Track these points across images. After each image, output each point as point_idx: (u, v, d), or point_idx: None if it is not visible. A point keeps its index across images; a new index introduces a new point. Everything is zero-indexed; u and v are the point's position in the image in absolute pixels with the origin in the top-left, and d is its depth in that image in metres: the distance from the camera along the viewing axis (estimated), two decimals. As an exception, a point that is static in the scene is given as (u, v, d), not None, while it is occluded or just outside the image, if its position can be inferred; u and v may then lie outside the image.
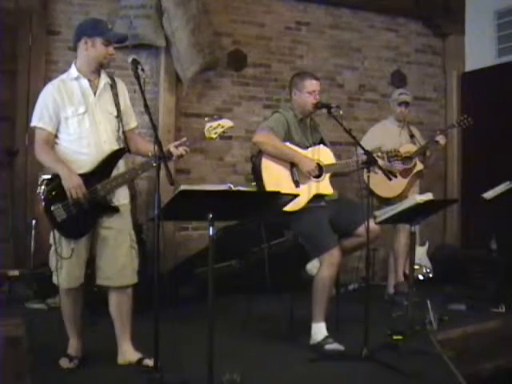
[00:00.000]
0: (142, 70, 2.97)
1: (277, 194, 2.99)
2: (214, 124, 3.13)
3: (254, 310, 4.13)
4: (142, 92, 2.91)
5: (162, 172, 2.73)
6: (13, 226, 4.76)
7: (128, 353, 3.24)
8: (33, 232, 4.57)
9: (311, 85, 3.82)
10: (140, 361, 3.18)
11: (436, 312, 4.05)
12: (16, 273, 4.52)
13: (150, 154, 3.05)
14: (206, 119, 3.19)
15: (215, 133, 3.13)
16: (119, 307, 3.23)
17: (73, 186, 2.99)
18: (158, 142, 2.78)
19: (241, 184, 3.27)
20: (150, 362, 3.07)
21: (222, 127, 3.14)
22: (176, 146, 3.11)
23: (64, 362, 3.17)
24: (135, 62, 2.97)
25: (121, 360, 3.25)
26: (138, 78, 2.94)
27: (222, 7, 5.74)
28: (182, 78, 5.31)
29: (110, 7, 5.23)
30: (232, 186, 2.69)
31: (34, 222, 4.56)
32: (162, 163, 2.77)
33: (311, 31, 6.20)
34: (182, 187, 2.51)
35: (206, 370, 2.57)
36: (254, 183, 3.81)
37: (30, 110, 4.86)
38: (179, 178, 5.26)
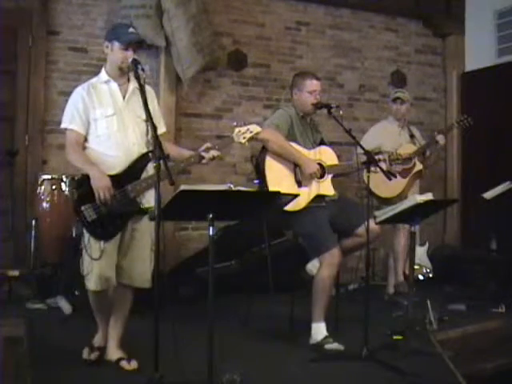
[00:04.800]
0: (142, 69, 2.98)
1: (277, 194, 2.99)
2: (243, 129, 3.18)
3: (254, 309, 4.13)
4: (143, 92, 2.91)
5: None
6: (13, 225, 4.75)
7: (111, 350, 3.25)
8: (33, 232, 4.56)
9: (311, 85, 3.82)
10: (118, 361, 3.19)
11: (436, 312, 4.05)
12: (16, 273, 4.51)
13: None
14: (235, 124, 3.23)
15: (244, 137, 3.17)
16: (120, 305, 3.24)
17: (101, 186, 2.99)
18: (158, 141, 2.78)
19: (241, 184, 3.28)
20: (126, 365, 3.13)
21: (251, 132, 3.18)
22: (206, 151, 3.17)
23: (85, 353, 3.23)
24: (135, 62, 2.98)
25: (106, 356, 3.28)
26: (138, 78, 2.94)
27: (222, 7, 5.74)
28: (182, 77, 5.31)
29: (110, 7, 5.23)
30: (232, 185, 2.69)
31: (33, 221, 4.56)
32: (162, 163, 2.76)
33: (311, 31, 6.20)
34: (182, 187, 2.51)
35: (206, 370, 2.57)
36: (256, 181, 3.82)
37: (30, 110, 4.94)
38: (179, 178, 5.24)
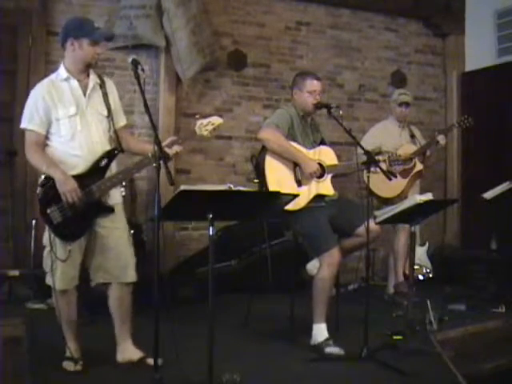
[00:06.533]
0: (142, 70, 2.96)
1: (277, 194, 2.99)
2: (205, 121, 3.14)
3: (254, 310, 4.13)
4: (142, 92, 2.91)
5: (162, 172, 2.73)
6: (13, 226, 4.75)
7: (128, 351, 3.23)
8: (33, 232, 4.57)
9: (312, 85, 3.82)
10: (142, 360, 3.17)
11: (436, 312, 4.05)
12: (16, 273, 4.52)
13: (149, 155, 3.05)
14: (197, 117, 3.20)
15: (206, 130, 3.13)
16: (120, 304, 3.22)
17: (67, 190, 2.97)
18: (158, 141, 2.77)
19: (241, 184, 3.28)
20: (152, 362, 3.06)
21: (213, 124, 3.14)
22: (168, 146, 3.11)
23: (69, 366, 3.13)
24: (135, 62, 2.96)
25: (120, 358, 3.24)
26: (137, 77, 2.92)
27: (222, 7, 5.74)
28: (182, 78, 5.31)
29: (110, 7, 5.23)
30: (232, 185, 2.69)
31: (33, 222, 4.56)
32: (162, 163, 2.76)
33: (311, 31, 6.20)
34: (182, 187, 2.51)
35: (206, 370, 2.57)
36: (256, 180, 3.82)
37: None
38: (179, 178, 5.25)
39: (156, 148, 2.76)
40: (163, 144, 3.09)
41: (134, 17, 5.06)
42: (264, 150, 3.78)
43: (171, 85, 5.41)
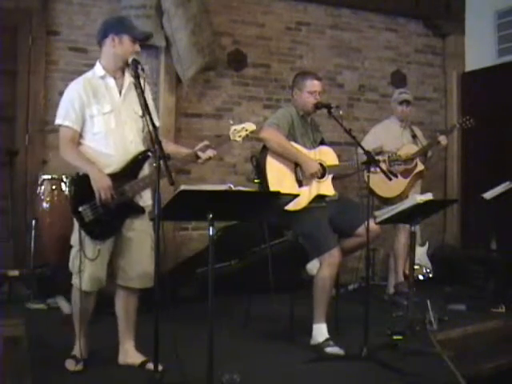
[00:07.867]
0: (142, 69, 2.97)
1: (277, 194, 2.99)
2: (239, 127, 3.21)
3: (254, 309, 4.13)
4: (142, 92, 2.91)
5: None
6: (13, 226, 4.75)
7: (130, 354, 3.22)
8: (33, 232, 4.56)
9: (312, 85, 3.82)
10: (143, 364, 3.16)
11: (436, 312, 4.05)
12: (16, 273, 4.51)
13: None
14: (231, 122, 3.26)
15: (239, 136, 3.20)
16: (127, 307, 3.21)
17: (102, 187, 2.95)
18: (158, 141, 2.77)
19: (241, 184, 3.28)
20: (152, 367, 3.06)
21: (246, 130, 3.22)
22: (202, 150, 3.13)
23: (70, 365, 3.11)
24: (135, 62, 2.96)
25: (122, 360, 3.23)
26: (137, 77, 2.93)
27: (222, 7, 5.74)
28: (181, 78, 5.31)
29: (110, 7, 5.22)
30: (232, 185, 2.69)
31: (33, 222, 4.56)
32: (163, 163, 2.75)
33: (311, 31, 6.20)
34: (182, 187, 2.50)
35: (206, 370, 2.57)
36: (256, 180, 3.82)
37: (30, 110, 4.94)
38: (179, 178, 5.24)
39: (156, 148, 2.75)
40: (196, 148, 3.14)
41: (134, 17, 5.04)
42: (265, 149, 3.78)
43: (171, 85, 5.41)
